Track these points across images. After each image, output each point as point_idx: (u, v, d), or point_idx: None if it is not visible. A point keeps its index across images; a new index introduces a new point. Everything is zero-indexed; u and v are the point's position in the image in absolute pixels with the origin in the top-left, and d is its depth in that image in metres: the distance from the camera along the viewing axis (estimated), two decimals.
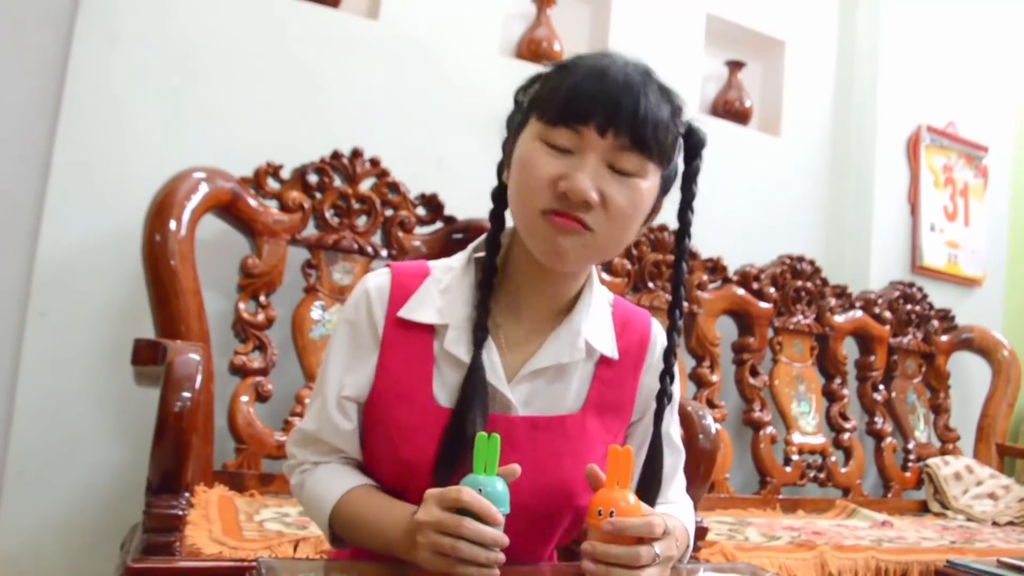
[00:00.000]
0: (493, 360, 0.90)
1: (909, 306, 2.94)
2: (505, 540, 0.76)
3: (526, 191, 0.85)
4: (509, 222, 0.93)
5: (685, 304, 2.45)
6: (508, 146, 0.92)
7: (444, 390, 0.90)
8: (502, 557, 0.76)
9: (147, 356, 1.41)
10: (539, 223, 0.85)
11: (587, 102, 0.83)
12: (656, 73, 0.89)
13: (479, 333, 0.89)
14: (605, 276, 2.33)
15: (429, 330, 0.91)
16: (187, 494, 1.24)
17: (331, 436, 0.94)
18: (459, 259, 0.96)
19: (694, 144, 0.93)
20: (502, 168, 0.94)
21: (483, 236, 0.95)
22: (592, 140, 0.83)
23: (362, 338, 0.92)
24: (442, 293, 0.92)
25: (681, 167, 0.94)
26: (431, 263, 0.97)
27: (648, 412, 0.97)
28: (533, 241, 0.87)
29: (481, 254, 0.94)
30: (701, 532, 1.54)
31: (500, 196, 0.94)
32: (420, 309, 0.91)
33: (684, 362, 2.48)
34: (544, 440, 0.90)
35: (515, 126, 0.90)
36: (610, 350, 0.95)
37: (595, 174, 0.83)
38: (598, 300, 0.97)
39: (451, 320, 0.91)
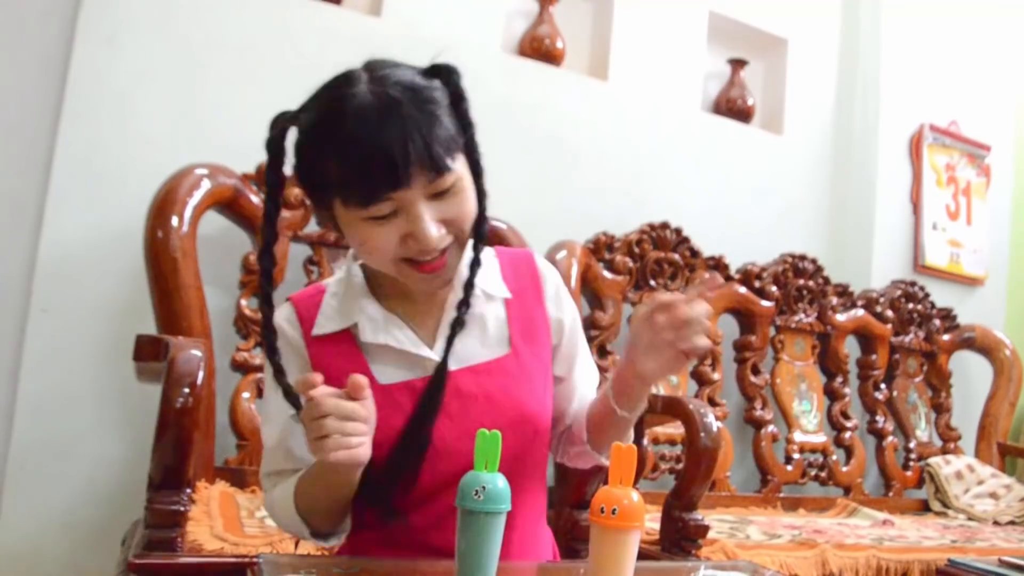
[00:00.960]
0: (406, 334, 0.99)
1: (911, 305, 2.94)
2: (362, 412, 0.84)
3: (381, 257, 0.92)
4: None
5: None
6: (313, 204, 0.97)
7: (382, 371, 0.98)
8: (362, 427, 0.84)
9: (149, 352, 1.41)
10: (405, 269, 0.93)
11: (382, 175, 0.86)
12: (392, 75, 0.90)
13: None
14: (607, 274, 2.33)
15: (348, 334, 0.99)
16: (188, 490, 1.24)
17: (291, 462, 1.00)
18: (343, 265, 1.05)
19: (453, 88, 0.94)
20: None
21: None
22: (405, 195, 0.87)
23: (291, 365, 0.97)
24: (339, 302, 1.01)
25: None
26: (326, 281, 1.05)
27: (565, 339, 1.08)
28: (406, 282, 0.95)
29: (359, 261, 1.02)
30: (702, 530, 1.54)
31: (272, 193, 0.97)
32: (326, 323, 1.00)
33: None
34: (490, 383, 0.99)
35: (311, 194, 0.94)
36: (502, 291, 1.04)
37: (428, 215, 0.89)
38: (469, 263, 1.01)
39: (358, 317, 0.99)
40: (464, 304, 0.99)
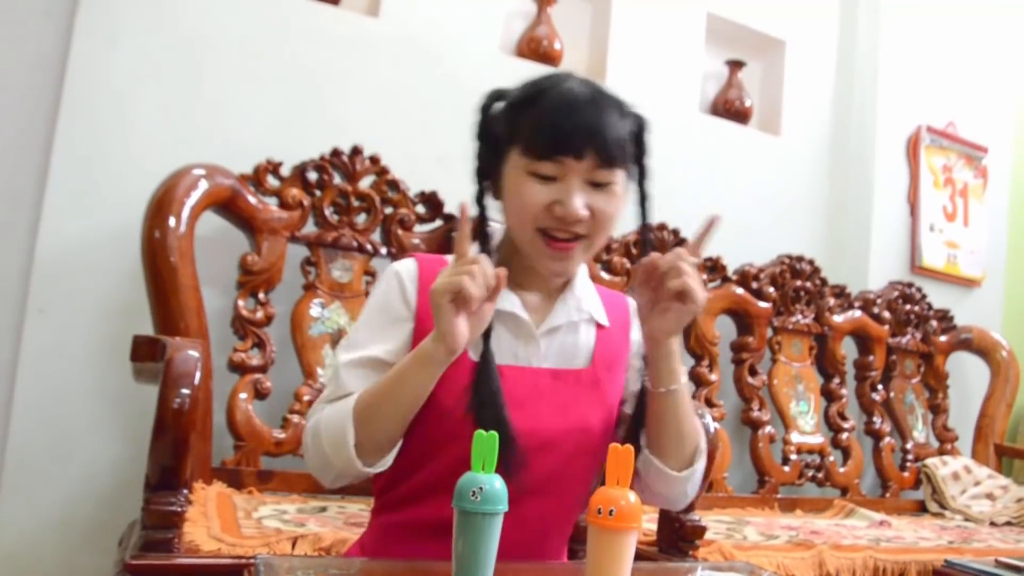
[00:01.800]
0: (522, 317, 1.06)
1: (908, 306, 2.94)
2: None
3: (525, 216, 1.01)
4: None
5: None
6: (484, 162, 1.07)
7: (476, 348, 1.01)
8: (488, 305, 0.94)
9: (146, 352, 1.41)
10: (538, 242, 1.02)
11: (564, 136, 0.99)
12: (606, 88, 1.05)
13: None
14: (604, 275, 2.33)
15: None
16: (185, 491, 1.23)
17: (361, 388, 1.02)
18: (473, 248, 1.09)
19: (643, 138, 1.09)
20: (482, 176, 1.08)
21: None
22: (572, 165, 0.99)
23: (395, 312, 1.05)
24: None
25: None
26: (446, 256, 1.10)
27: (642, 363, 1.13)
28: (534, 257, 1.04)
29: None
30: (699, 531, 1.54)
31: (479, 199, 1.09)
32: None
33: (684, 361, 2.48)
34: (564, 389, 1.05)
35: (490, 146, 1.06)
36: (603, 318, 1.13)
37: (581, 193, 1.00)
38: (586, 278, 1.15)
39: None
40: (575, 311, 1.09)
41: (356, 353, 1.04)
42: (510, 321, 1.05)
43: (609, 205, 1.02)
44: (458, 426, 0.96)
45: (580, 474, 1.07)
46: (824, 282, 2.75)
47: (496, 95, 1.08)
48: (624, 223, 2.67)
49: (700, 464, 1.09)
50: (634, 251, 2.40)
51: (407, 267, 1.08)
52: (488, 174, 1.08)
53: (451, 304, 0.90)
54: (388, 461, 1.00)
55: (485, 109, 1.07)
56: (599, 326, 1.12)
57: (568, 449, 1.04)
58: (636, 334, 1.15)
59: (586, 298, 1.12)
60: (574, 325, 1.09)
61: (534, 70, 2.55)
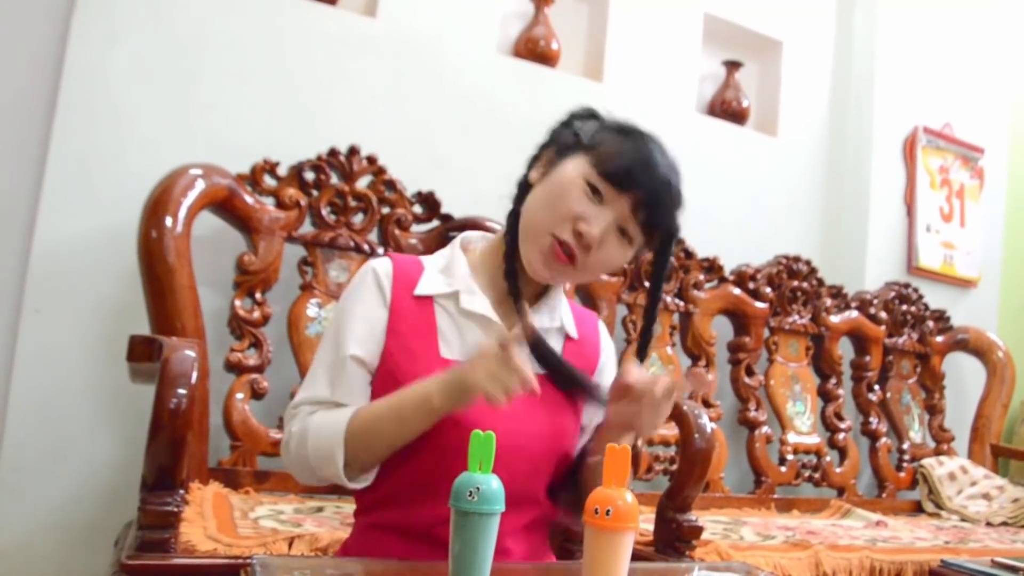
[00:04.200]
0: (493, 319, 1.07)
1: (904, 307, 2.94)
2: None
3: (551, 209, 1.03)
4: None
5: (682, 303, 2.46)
6: (546, 152, 1.10)
7: (448, 346, 1.05)
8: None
9: (142, 352, 1.41)
10: (544, 240, 1.03)
11: (639, 175, 1.03)
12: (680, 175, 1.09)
13: (515, 294, 1.09)
14: (602, 276, 2.33)
15: (429, 303, 1.07)
16: (182, 491, 1.23)
17: (339, 395, 1.04)
18: (448, 249, 1.14)
19: (670, 236, 1.13)
20: (531, 165, 1.12)
21: (466, 231, 1.18)
22: (622, 203, 1.03)
23: (372, 309, 1.06)
24: (442, 272, 1.10)
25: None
26: (420, 258, 1.14)
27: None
28: (529, 249, 1.05)
29: (463, 243, 1.15)
30: (696, 531, 1.54)
31: (522, 187, 1.11)
32: (430, 285, 1.08)
33: (680, 361, 2.48)
34: (537, 395, 1.02)
35: (560, 146, 1.08)
36: (573, 331, 1.15)
37: (608, 228, 1.03)
38: (561, 292, 1.17)
39: (460, 287, 1.08)
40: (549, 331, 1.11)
41: (338, 353, 1.05)
42: (482, 323, 1.07)
43: (614, 256, 1.05)
44: (432, 429, 0.99)
45: (549, 473, 1.09)
46: (821, 282, 2.75)
47: (591, 112, 1.11)
48: None
49: None
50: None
51: (383, 265, 1.09)
52: (550, 150, 1.10)
53: (477, 398, 0.92)
54: (371, 477, 1.04)
55: (575, 115, 1.11)
56: (568, 338, 1.14)
57: (538, 452, 1.06)
58: (604, 355, 1.19)
59: (559, 309, 1.14)
60: (544, 332, 1.10)
61: (531, 70, 2.57)
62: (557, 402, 1.09)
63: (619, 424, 1.03)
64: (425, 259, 1.13)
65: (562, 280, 1.10)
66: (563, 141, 1.09)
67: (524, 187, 1.10)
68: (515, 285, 1.09)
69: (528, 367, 0.92)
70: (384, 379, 1.04)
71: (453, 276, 1.09)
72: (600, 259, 1.04)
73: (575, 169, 1.04)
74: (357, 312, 1.06)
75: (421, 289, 1.08)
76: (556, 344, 1.13)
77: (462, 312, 1.07)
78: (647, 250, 1.12)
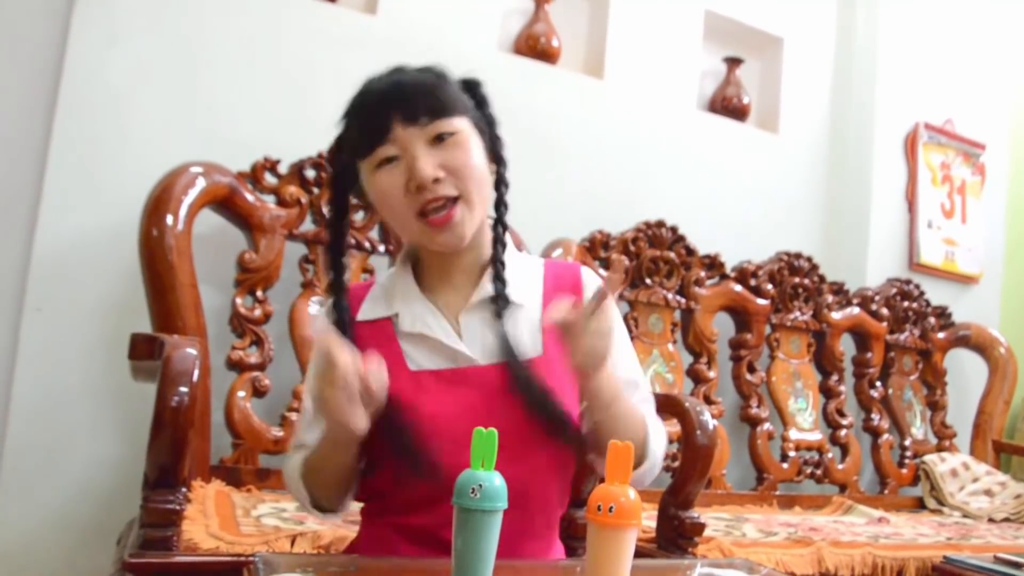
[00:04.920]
0: (442, 325, 1.03)
1: (906, 303, 2.94)
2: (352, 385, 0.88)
3: (396, 209, 1.00)
4: None
5: (683, 300, 2.46)
6: (353, 194, 1.09)
7: (412, 360, 1.03)
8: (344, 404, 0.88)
9: (144, 351, 1.41)
10: (419, 226, 1.00)
11: (381, 109, 0.98)
12: (407, 63, 1.05)
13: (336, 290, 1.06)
14: (603, 273, 2.33)
15: (388, 322, 1.06)
16: (184, 489, 1.23)
17: (311, 438, 1.05)
18: (398, 263, 1.12)
19: (478, 93, 1.09)
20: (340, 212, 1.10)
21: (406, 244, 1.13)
22: (401, 136, 0.98)
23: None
24: (386, 292, 1.09)
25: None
26: (379, 277, 1.14)
27: None
28: (427, 244, 1.03)
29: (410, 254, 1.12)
30: (698, 528, 1.54)
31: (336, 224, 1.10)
32: (370, 310, 1.07)
33: (681, 358, 2.48)
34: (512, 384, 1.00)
35: (352, 183, 1.07)
36: (524, 298, 1.06)
37: (425, 156, 0.97)
38: (522, 262, 1.10)
39: (400, 308, 1.06)
40: (499, 288, 1.04)
41: (306, 402, 1.07)
42: (423, 342, 1.03)
43: (462, 156, 0.99)
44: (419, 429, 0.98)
45: (554, 464, 1.04)
46: (822, 279, 2.75)
47: (333, 146, 1.09)
48: (622, 220, 2.66)
49: (644, 466, 1.05)
50: (632, 248, 2.40)
51: (322, 316, 1.09)
52: (353, 191, 1.09)
53: (328, 405, 0.89)
54: (348, 504, 1.05)
55: (331, 163, 1.10)
56: (545, 308, 1.05)
57: (535, 448, 1.01)
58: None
59: (514, 278, 1.06)
60: (515, 309, 1.04)
61: (532, 67, 2.57)
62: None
63: (580, 369, 0.95)
64: (378, 280, 1.13)
65: (469, 226, 1.01)
66: (337, 173, 1.09)
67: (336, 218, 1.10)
68: (419, 277, 1.07)
69: (344, 362, 0.88)
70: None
71: (394, 297, 1.07)
72: (459, 173, 0.98)
73: (368, 176, 1.02)
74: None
75: (362, 315, 1.07)
76: (530, 315, 1.06)
77: (409, 334, 1.04)
78: (475, 115, 1.05)
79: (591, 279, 1.13)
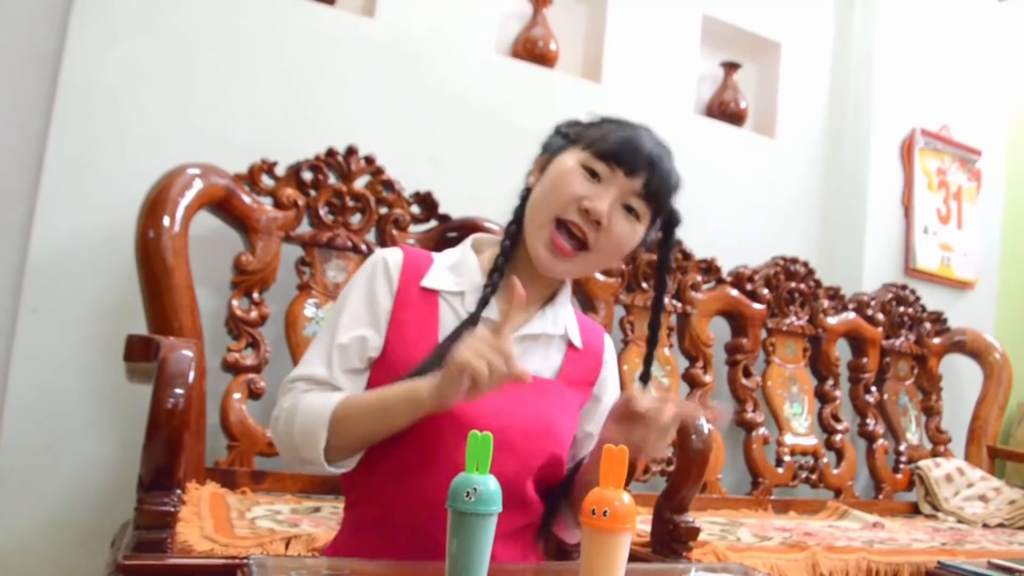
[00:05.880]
0: (495, 319, 1.05)
1: (902, 308, 2.95)
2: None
3: (553, 196, 1.05)
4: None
5: (679, 304, 2.46)
6: (541, 160, 1.12)
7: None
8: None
9: (140, 352, 1.41)
10: (547, 229, 1.05)
11: (631, 149, 1.05)
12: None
13: (487, 290, 1.07)
14: (600, 276, 2.33)
15: (434, 297, 1.08)
16: (179, 491, 1.23)
17: (338, 375, 1.04)
18: (459, 248, 1.14)
19: (672, 221, 1.15)
20: (529, 175, 1.13)
21: (478, 234, 1.17)
22: (620, 179, 1.05)
23: (378, 296, 1.07)
24: (450, 270, 1.10)
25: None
26: (433, 253, 1.14)
27: (602, 401, 1.17)
28: (535, 242, 1.06)
29: (476, 244, 1.15)
30: (693, 532, 1.55)
31: (524, 196, 1.12)
32: (438, 280, 1.09)
33: (677, 362, 2.48)
34: (531, 395, 1.04)
35: (554, 149, 1.10)
36: (576, 339, 1.15)
37: (613, 203, 1.04)
38: (568, 299, 1.17)
39: (467, 288, 1.09)
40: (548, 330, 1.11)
41: (337, 334, 1.06)
42: (486, 324, 1.06)
43: (626, 231, 1.06)
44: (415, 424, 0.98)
45: (535, 472, 1.07)
46: (818, 284, 2.76)
47: (573, 121, 1.13)
48: None
49: None
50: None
51: (394, 255, 1.10)
52: (544, 152, 1.12)
53: (465, 380, 0.89)
54: (352, 463, 1.03)
55: (563, 124, 1.13)
56: (571, 346, 1.14)
57: (528, 451, 1.05)
58: (607, 369, 1.19)
59: (563, 316, 1.14)
60: (548, 339, 1.12)
61: (530, 71, 2.57)
62: (552, 402, 1.09)
63: (632, 448, 0.99)
64: (436, 255, 1.14)
65: (573, 272, 1.10)
66: (554, 145, 1.11)
67: (525, 195, 1.11)
68: (495, 285, 1.08)
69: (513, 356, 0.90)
70: (382, 367, 1.05)
71: (462, 276, 1.10)
72: (613, 237, 1.05)
73: (570, 159, 1.06)
74: (363, 297, 1.07)
75: (428, 281, 1.08)
76: (558, 351, 1.13)
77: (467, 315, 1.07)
78: (655, 231, 1.12)
79: (611, 350, 1.22)
